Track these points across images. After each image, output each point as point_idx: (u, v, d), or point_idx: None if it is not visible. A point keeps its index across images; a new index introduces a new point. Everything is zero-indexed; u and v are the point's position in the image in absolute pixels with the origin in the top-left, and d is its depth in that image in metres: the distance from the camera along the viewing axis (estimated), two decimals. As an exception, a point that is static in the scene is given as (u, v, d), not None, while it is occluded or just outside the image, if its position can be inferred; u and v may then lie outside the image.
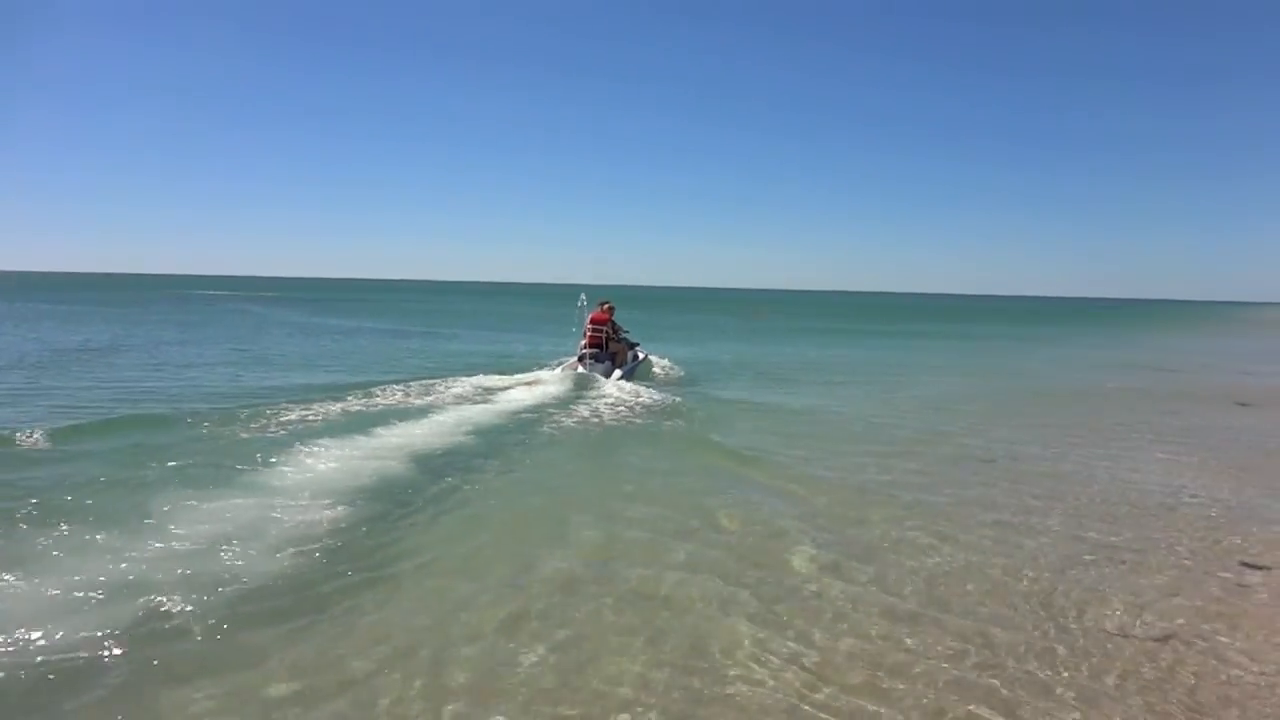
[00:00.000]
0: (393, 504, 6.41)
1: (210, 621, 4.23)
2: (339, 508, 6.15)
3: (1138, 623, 4.65)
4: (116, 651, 3.91)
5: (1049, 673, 4.03)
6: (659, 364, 16.96)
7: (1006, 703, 3.73)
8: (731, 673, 3.95)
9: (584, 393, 12.57)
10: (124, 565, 4.86)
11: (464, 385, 12.90)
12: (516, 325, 37.12)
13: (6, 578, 4.64)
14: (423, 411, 10.43)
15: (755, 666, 4.01)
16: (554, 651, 4.10)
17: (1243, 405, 14.37)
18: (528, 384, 13.20)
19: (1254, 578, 5.45)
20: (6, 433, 8.38)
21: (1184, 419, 12.38)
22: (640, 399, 12.11)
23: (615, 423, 10.45)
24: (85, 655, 3.86)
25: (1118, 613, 4.78)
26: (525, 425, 10.05)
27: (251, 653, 3.99)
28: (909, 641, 4.32)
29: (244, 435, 8.70)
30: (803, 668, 4.00)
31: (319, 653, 4.03)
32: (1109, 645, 4.35)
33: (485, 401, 11.54)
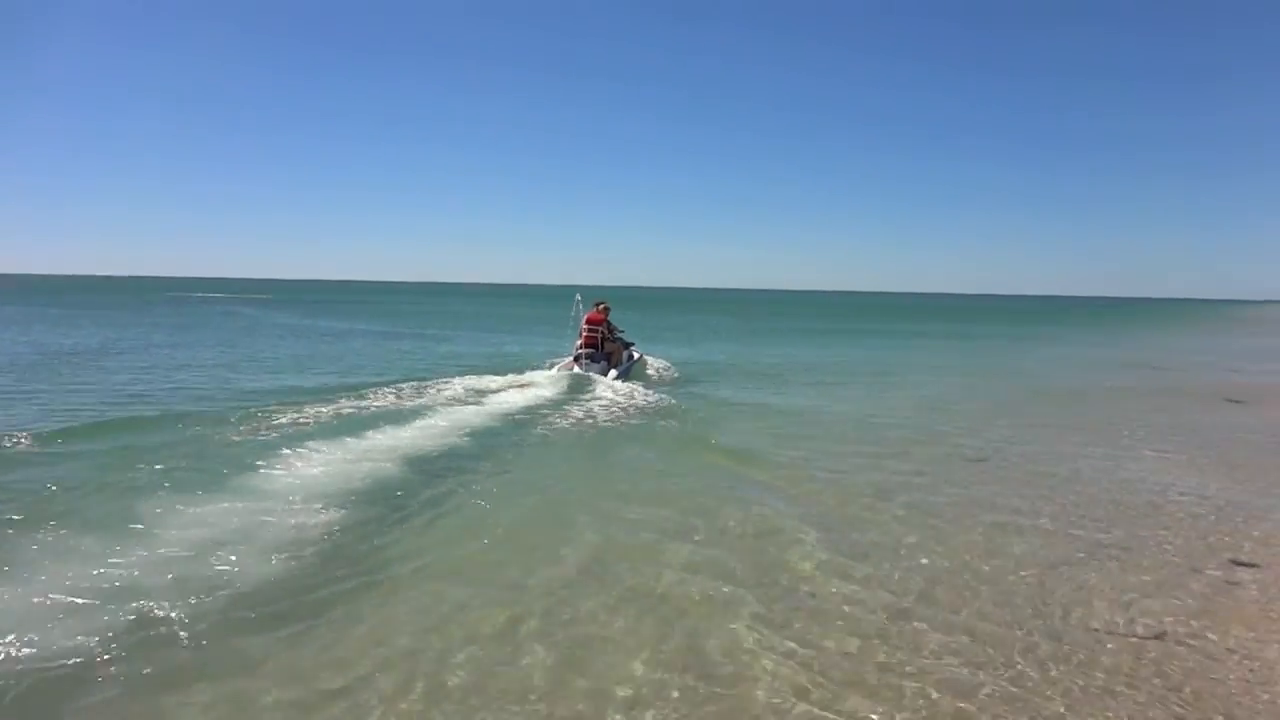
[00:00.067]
0: (386, 507, 6.39)
1: (203, 626, 4.21)
2: (332, 511, 6.12)
3: (1127, 621, 4.67)
4: (107, 658, 3.87)
5: (1041, 671, 4.04)
6: (654, 364, 16.97)
7: (1001, 701, 3.75)
8: (729, 671, 3.96)
9: (579, 393, 12.58)
10: (114, 570, 4.84)
11: (457, 387, 12.87)
12: (513, 327, 37.09)
13: (-4, 584, 4.59)
14: (415, 413, 10.38)
15: (754, 666, 4.02)
16: (552, 653, 4.10)
17: (1233, 402, 14.45)
18: (522, 385, 13.19)
19: (1243, 575, 5.48)
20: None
21: (1175, 416, 12.45)
22: (635, 399, 12.11)
23: (610, 423, 10.45)
24: (75, 662, 3.83)
25: (1107, 611, 4.80)
26: (520, 426, 10.05)
27: (245, 658, 3.96)
28: (904, 640, 4.34)
29: (235, 438, 8.65)
30: (800, 666, 4.01)
31: (314, 658, 4.01)
32: (1099, 643, 4.37)
33: (479, 403, 11.50)
